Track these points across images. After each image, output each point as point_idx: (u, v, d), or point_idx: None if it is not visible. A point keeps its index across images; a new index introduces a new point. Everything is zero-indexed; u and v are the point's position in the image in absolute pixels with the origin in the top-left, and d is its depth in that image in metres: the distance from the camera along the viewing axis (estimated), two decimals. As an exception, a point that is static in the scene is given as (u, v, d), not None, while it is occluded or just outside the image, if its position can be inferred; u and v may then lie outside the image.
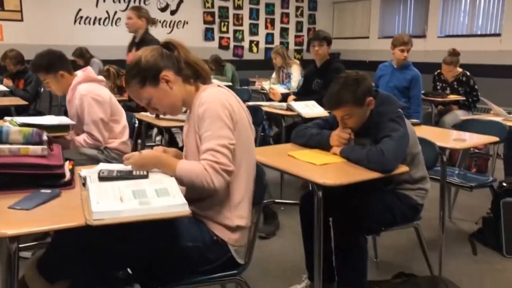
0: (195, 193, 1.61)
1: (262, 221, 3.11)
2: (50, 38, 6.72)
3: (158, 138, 5.19)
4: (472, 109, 5.01)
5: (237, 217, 1.65)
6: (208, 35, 8.54)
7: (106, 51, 6.63)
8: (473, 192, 3.24)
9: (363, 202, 2.05)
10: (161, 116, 2.74)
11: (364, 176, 1.86)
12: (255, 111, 3.73)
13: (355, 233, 1.97)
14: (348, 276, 2.05)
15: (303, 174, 1.87)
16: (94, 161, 2.45)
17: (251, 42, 9.06)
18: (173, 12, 8.16)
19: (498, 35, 6.96)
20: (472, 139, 2.77)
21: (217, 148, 1.52)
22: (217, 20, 8.59)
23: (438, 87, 5.19)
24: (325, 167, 1.93)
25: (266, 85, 5.57)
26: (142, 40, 4.19)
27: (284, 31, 9.42)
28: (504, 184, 2.98)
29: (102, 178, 1.50)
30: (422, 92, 4.52)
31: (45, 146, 1.62)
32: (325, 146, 2.14)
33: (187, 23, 8.28)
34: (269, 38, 9.24)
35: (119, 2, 7.61)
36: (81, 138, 2.67)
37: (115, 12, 7.55)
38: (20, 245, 2.03)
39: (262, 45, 9.18)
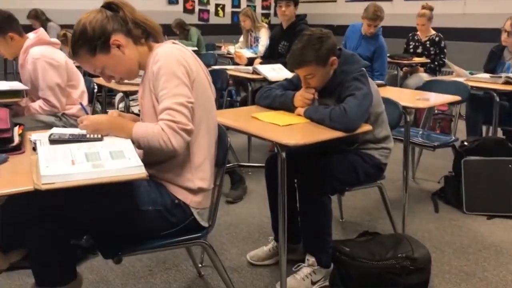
0: (155, 157, 1.56)
1: (230, 186, 3.10)
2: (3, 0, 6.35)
3: (121, 105, 5.03)
4: (437, 72, 5.06)
5: (199, 179, 1.61)
6: (172, -2, 8.26)
7: (64, 15, 6.31)
8: (436, 153, 3.32)
9: (327, 162, 2.05)
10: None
11: (328, 136, 1.84)
12: (219, 75, 3.65)
13: (319, 192, 1.97)
14: (313, 236, 2.06)
15: (266, 135, 1.84)
16: (52, 128, 2.36)
17: (217, 5, 8.78)
18: (134, -26, 7.83)
19: (463, -2, 7.00)
20: (435, 99, 2.79)
21: (174, 106, 1.46)
22: (181, -18, 8.31)
23: (411, 47, 5.19)
24: (288, 128, 1.91)
25: (232, 49, 5.45)
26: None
27: (251, -6, 9.21)
28: (466, 143, 3.04)
29: (53, 141, 1.43)
30: (388, 55, 4.53)
31: (-11, 110, 1.52)
32: (289, 107, 2.11)
33: (149, -15, 7.98)
34: (236, 2, 8.98)
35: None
36: (37, 105, 2.57)
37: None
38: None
39: (228, 8, 8.91)
